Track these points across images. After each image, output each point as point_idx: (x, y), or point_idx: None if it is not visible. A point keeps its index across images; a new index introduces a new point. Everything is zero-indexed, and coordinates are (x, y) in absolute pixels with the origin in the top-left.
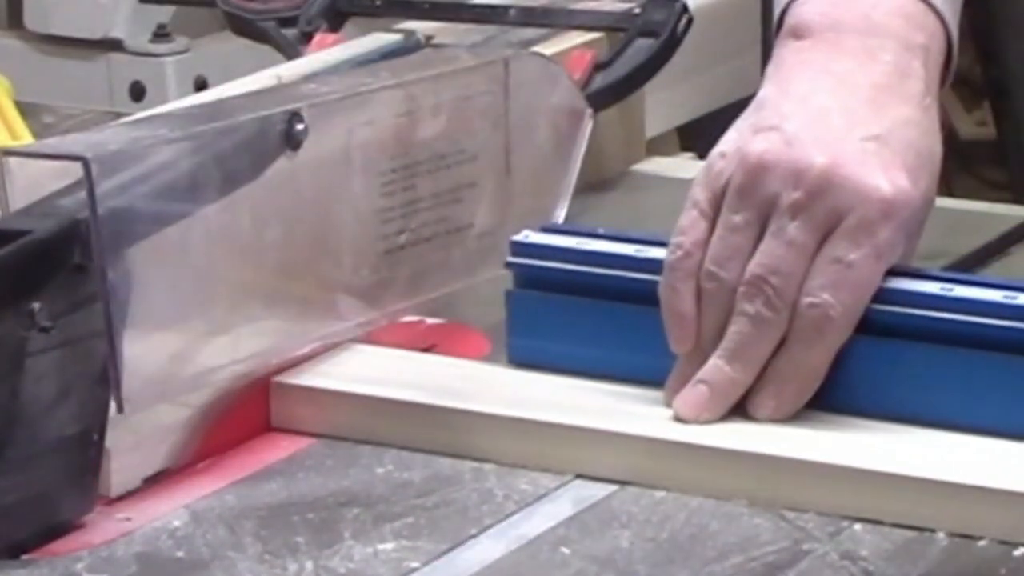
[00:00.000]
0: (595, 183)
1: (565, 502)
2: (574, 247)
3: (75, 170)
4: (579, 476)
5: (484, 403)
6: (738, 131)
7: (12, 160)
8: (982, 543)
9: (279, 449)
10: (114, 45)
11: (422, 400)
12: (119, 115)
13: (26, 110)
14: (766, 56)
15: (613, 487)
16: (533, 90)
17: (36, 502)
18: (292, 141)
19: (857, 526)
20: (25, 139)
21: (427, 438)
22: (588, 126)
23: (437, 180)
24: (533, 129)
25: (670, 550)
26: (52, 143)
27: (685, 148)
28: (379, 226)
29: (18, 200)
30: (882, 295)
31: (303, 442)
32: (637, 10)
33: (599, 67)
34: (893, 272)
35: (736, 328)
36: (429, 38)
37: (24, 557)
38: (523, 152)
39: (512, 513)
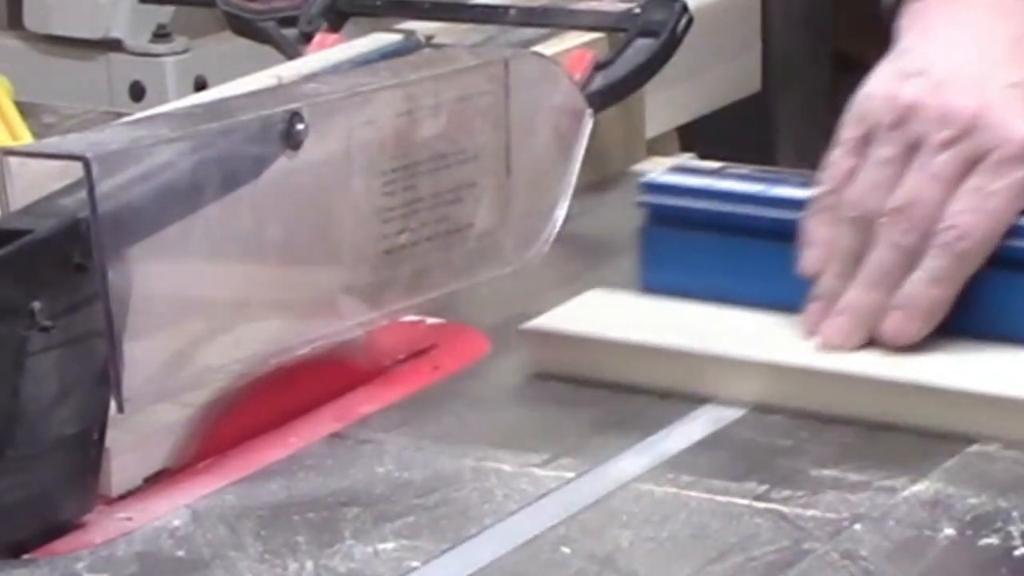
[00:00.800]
0: (595, 183)
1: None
2: (704, 186)
3: (75, 169)
4: (711, 401)
5: (620, 330)
6: (883, 76)
7: (13, 160)
8: (983, 542)
9: (279, 449)
10: (114, 45)
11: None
12: (119, 115)
13: (26, 110)
14: (766, 56)
15: (638, 472)
16: (533, 90)
17: (36, 502)
18: (292, 141)
19: (857, 526)
20: (25, 139)
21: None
22: (588, 126)
23: (437, 180)
24: (533, 129)
25: (670, 550)
26: (53, 143)
27: (685, 148)
28: (379, 226)
29: (18, 199)
30: (1019, 230)
31: (303, 441)
32: (637, 10)
33: (599, 67)
34: None
35: (878, 256)
36: (429, 38)
37: (24, 557)
38: (523, 152)
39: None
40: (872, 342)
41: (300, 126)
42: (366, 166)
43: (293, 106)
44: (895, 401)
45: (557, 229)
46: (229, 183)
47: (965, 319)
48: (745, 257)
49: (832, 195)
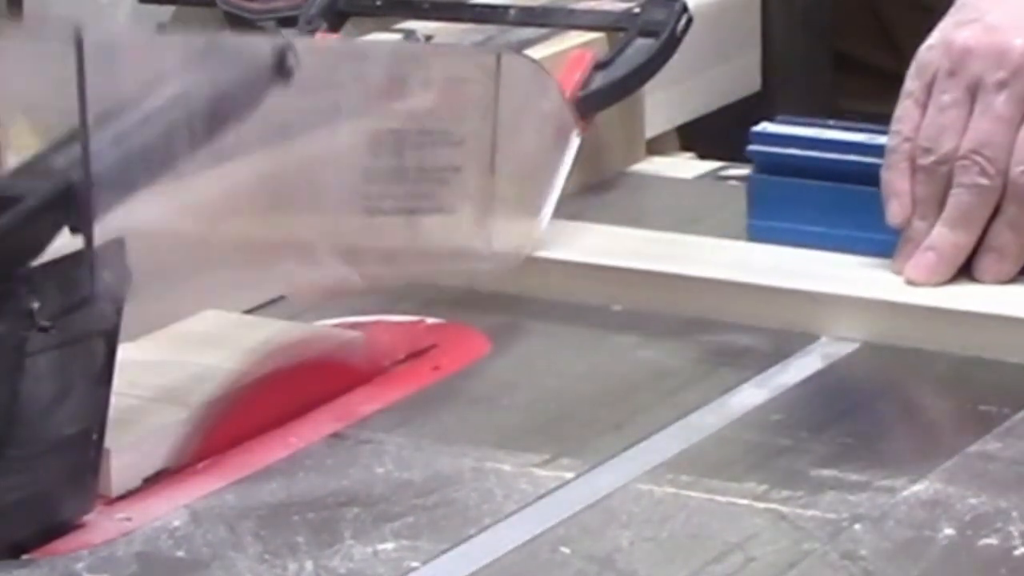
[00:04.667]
0: (595, 183)
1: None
2: (810, 136)
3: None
4: (821, 335)
5: (730, 272)
6: (942, 28)
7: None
8: (983, 542)
9: (279, 449)
10: None
11: (670, 270)
12: None
13: None
14: (766, 56)
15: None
16: (523, 91)
17: (36, 502)
18: (283, 72)
19: (857, 526)
20: (25, 139)
21: (677, 305)
22: (575, 143)
23: (423, 155)
24: (520, 130)
25: (670, 550)
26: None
27: (685, 148)
28: (363, 184)
29: None
30: None
31: (303, 441)
32: (637, 10)
33: (599, 67)
34: None
35: (955, 198)
36: (429, 38)
37: (24, 557)
38: (509, 151)
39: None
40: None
41: (292, 59)
42: (353, 115)
43: (285, 40)
44: (990, 335)
45: (534, 242)
46: (221, 119)
47: None
48: (849, 204)
49: (905, 143)
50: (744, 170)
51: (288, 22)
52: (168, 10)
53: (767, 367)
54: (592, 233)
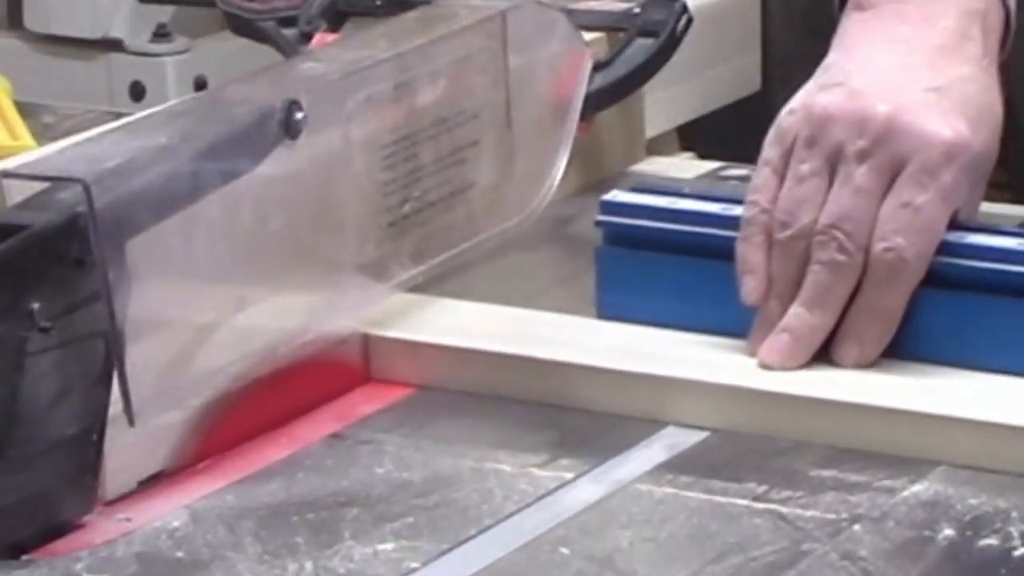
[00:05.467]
0: (595, 183)
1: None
2: (662, 205)
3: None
4: (668, 424)
5: (577, 354)
6: (805, 91)
7: (13, 183)
8: (982, 542)
9: (279, 449)
10: (114, 45)
11: (517, 352)
12: (119, 115)
13: (26, 110)
14: (766, 56)
15: (637, 475)
16: (531, 39)
17: (36, 502)
18: (291, 130)
19: (857, 526)
20: (25, 139)
21: (521, 388)
22: (588, 66)
23: (439, 144)
24: (532, 79)
25: (670, 550)
26: (51, 160)
27: (685, 148)
28: (382, 199)
29: None
30: (959, 250)
31: (303, 442)
32: (637, 10)
33: (599, 67)
34: (969, 228)
35: (813, 276)
36: None
37: (24, 557)
38: (523, 103)
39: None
40: (822, 363)
41: (299, 115)
42: (366, 143)
43: (291, 95)
44: (850, 424)
45: (559, 179)
46: (228, 174)
47: (913, 338)
48: (704, 280)
49: (762, 215)
50: (744, 170)
51: (288, 22)
52: (168, 10)
53: (606, 459)
54: (446, 311)
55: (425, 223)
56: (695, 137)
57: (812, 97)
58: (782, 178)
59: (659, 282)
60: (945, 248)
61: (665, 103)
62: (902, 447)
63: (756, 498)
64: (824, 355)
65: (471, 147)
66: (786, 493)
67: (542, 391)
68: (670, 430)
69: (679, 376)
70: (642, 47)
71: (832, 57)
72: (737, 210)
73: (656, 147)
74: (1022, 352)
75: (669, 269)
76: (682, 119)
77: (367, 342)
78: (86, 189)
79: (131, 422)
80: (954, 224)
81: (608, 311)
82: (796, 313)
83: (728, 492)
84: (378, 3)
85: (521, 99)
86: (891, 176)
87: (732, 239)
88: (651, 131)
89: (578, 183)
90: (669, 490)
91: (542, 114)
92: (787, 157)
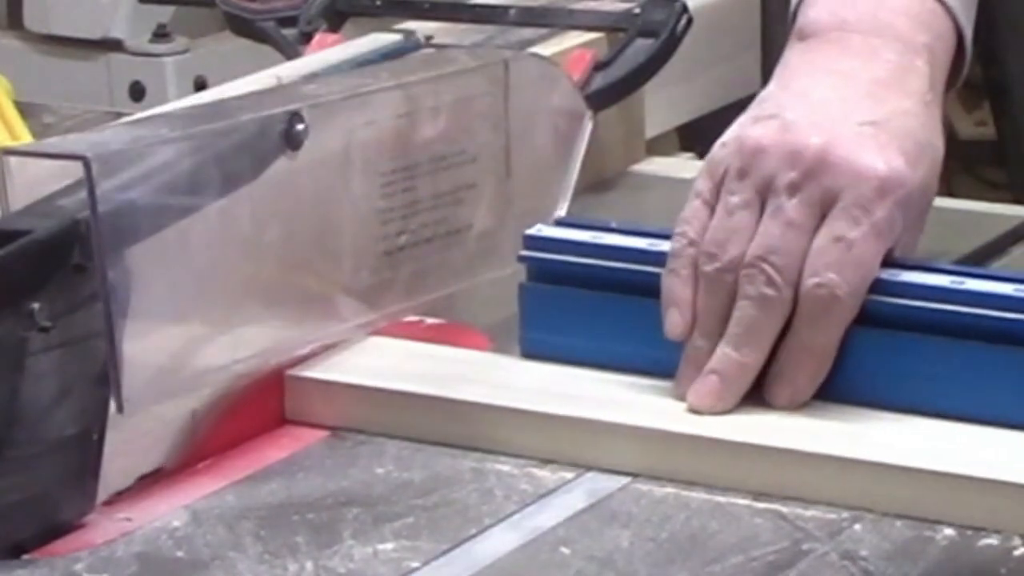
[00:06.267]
0: (595, 183)
1: (578, 495)
2: (587, 240)
3: (75, 170)
4: (591, 469)
5: (496, 395)
6: (739, 124)
7: (12, 159)
8: (982, 542)
9: (279, 449)
10: (114, 45)
11: (434, 393)
12: (119, 115)
13: (26, 110)
14: (766, 56)
15: (624, 480)
16: (533, 91)
17: (36, 502)
18: (292, 141)
19: (857, 526)
20: (25, 139)
21: (439, 431)
22: (588, 128)
23: (437, 181)
24: (533, 130)
25: (670, 550)
26: (53, 142)
27: (685, 148)
28: (379, 227)
29: (18, 200)
30: (893, 288)
31: (303, 442)
32: (637, 10)
33: (599, 67)
34: (904, 265)
35: (740, 312)
36: (429, 38)
37: (24, 557)
38: (523, 153)
39: (512, 513)
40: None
41: (300, 126)
42: (365, 167)
43: (293, 107)
44: (768, 470)
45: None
46: (229, 183)
47: (847, 378)
48: (629, 317)
49: (690, 248)
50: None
51: (288, 22)
52: (168, 10)
53: (523, 506)
54: (367, 351)
55: (420, 258)
56: (695, 137)
57: (745, 129)
58: (713, 210)
59: (583, 319)
60: (879, 286)
61: (665, 103)
62: (827, 494)
63: (756, 498)
64: (756, 396)
65: (469, 189)
66: (787, 492)
67: (459, 435)
68: (590, 476)
69: (600, 419)
70: (642, 47)
71: (769, 88)
72: (665, 246)
73: (656, 147)
74: (957, 393)
75: (593, 305)
76: (682, 119)
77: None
78: (87, 165)
79: (120, 408)
80: (888, 261)
81: (531, 348)
82: (724, 353)
83: (728, 492)
84: (378, 3)
85: (521, 148)
86: (823, 210)
87: (658, 275)
88: (651, 131)
89: (578, 183)
90: (669, 490)
91: (542, 166)
92: (718, 189)
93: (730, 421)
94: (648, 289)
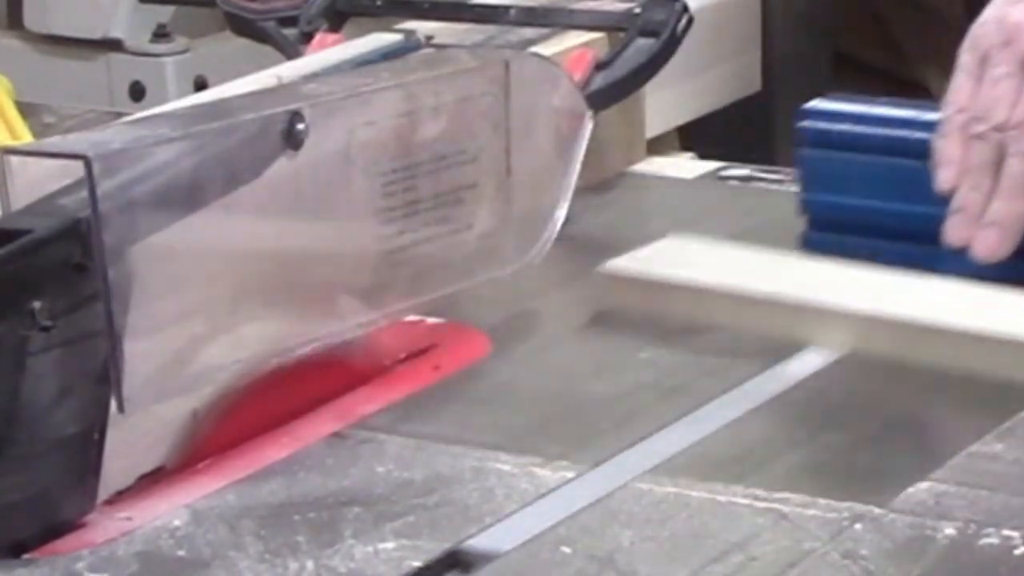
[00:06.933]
0: (595, 183)
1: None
2: (860, 111)
3: (76, 169)
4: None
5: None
6: (994, 6)
7: (13, 159)
8: (983, 541)
9: (279, 448)
10: (114, 45)
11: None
12: (119, 115)
13: (26, 110)
14: (766, 56)
15: (624, 479)
16: (533, 91)
17: (37, 501)
18: (293, 140)
19: (858, 525)
20: (25, 139)
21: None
22: (588, 127)
23: (437, 181)
24: (533, 130)
25: (670, 550)
26: (53, 142)
27: (685, 148)
28: (379, 226)
29: (19, 199)
30: None
31: (303, 441)
32: (637, 10)
33: (599, 67)
34: None
35: (1012, 167)
36: (429, 38)
37: (25, 556)
38: (523, 153)
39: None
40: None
41: (301, 126)
42: (366, 166)
43: (294, 106)
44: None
45: (557, 230)
46: (230, 182)
47: None
48: (898, 177)
49: (958, 115)
50: (745, 170)
51: (288, 22)
52: (168, 10)
53: (762, 370)
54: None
55: (421, 257)
56: (695, 137)
57: (1003, 9)
58: (977, 81)
59: (857, 181)
60: None
61: (665, 103)
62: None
63: (757, 497)
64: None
65: (470, 189)
66: (787, 492)
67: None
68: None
69: (816, 303)
70: (642, 47)
71: None
72: (928, 115)
73: (656, 147)
74: None
75: (866, 168)
76: (682, 119)
77: None
78: (88, 164)
79: (121, 408)
80: None
81: (811, 209)
82: (1000, 206)
83: (729, 491)
84: (379, 3)
85: (521, 148)
86: None
87: (922, 140)
88: (651, 131)
89: (578, 183)
90: (670, 489)
91: (542, 166)
92: (981, 62)
93: (934, 304)
94: (916, 152)
